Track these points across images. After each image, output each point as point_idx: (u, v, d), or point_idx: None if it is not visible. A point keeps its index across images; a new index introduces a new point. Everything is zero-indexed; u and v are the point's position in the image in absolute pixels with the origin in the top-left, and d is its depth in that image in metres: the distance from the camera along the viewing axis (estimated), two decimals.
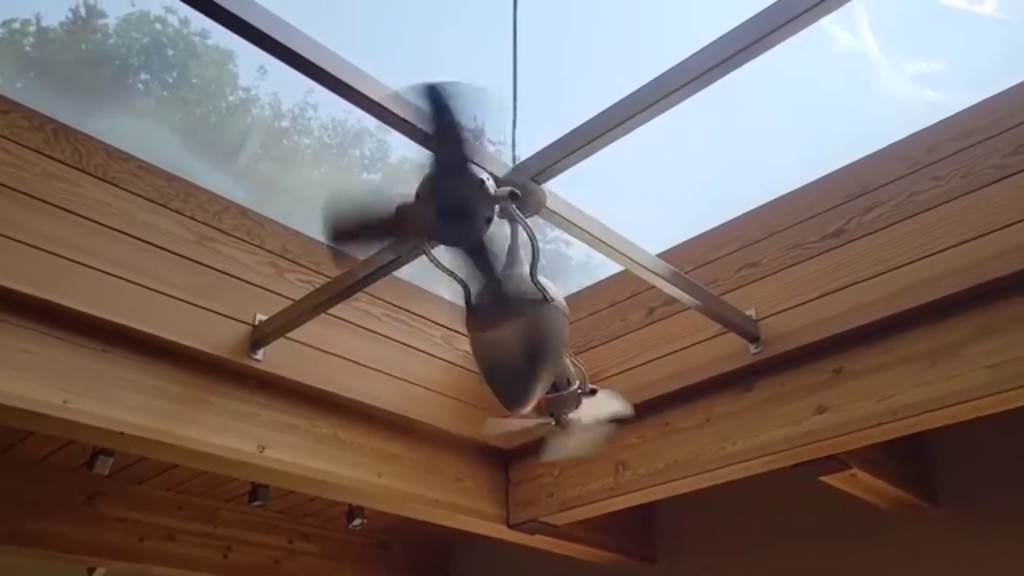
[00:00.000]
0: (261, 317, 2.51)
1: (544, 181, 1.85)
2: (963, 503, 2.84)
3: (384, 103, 1.66)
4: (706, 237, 2.84)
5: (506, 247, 1.73)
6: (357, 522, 3.48)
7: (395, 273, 2.26)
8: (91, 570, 3.78)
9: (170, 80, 3.17)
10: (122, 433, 2.25)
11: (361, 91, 1.64)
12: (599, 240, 2.05)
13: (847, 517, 3.01)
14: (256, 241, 2.64)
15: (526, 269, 1.68)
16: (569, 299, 1.74)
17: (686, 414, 2.70)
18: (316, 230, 2.78)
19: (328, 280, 2.46)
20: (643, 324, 2.87)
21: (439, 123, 1.37)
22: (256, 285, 2.57)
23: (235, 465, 2.52)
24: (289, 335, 2.51)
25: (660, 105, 1.70)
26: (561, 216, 1.94)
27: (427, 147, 1.42)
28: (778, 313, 2.50)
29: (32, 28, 2.82)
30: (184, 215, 2.49)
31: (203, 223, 2.53)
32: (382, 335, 2.86)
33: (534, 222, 1.94)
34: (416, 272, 2.88)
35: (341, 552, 3.96)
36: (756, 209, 2.74)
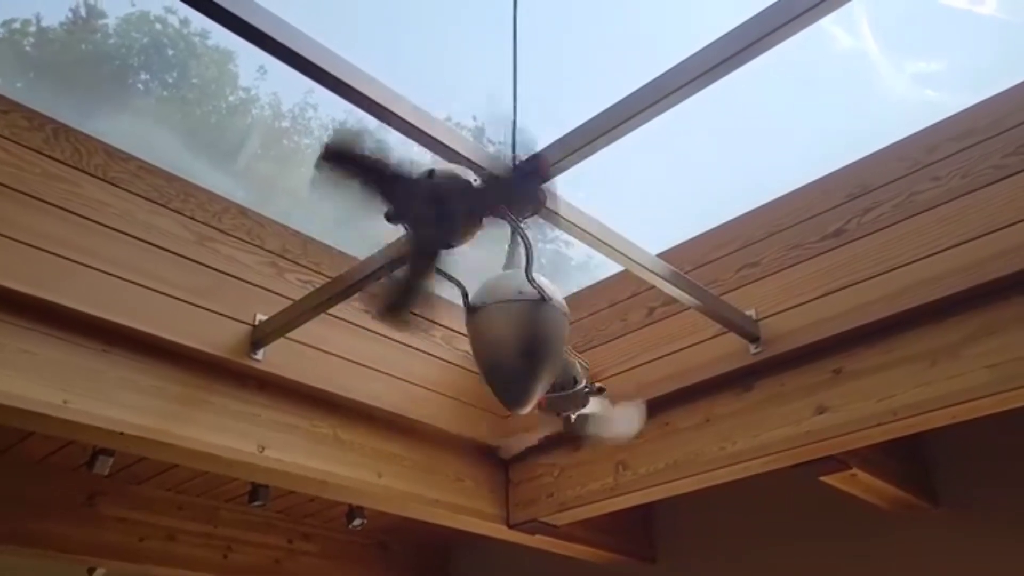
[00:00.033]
0: (261, 317, 2.51)
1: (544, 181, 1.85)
2: (963, 503, 2.84)
3: (384, 103, 1.66)
4: (706, 237, 2.84)
5: (507, 247, 1.73)
6: (357, 522, 3.48)
7: None
8: (91, 570, 3.78)
9: (170, 80, 3.17)
10: (122, 433, 2.25)
11: (361, 91, 1.64)
12: (599, 240, 2.05)
13: (847, 517, 3.01)
14: (256, 241, 2.63)
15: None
16: (569, 299, 1.74)
17: (686, 414, 2.70)
18: (316, 230, 2.79)
19: (328, 280, 2.46)
20: (643, 324, 2.87)
21: (350, 173, 1.36)
22: (256, 285, 2.57)
23: (235, 465, 2.52)
24: (289, 335, 2.51)
25: (660, 105, 1.70)
26: (561, 216, 1.94)
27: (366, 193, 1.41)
28: (778, 313, 2.50)
29: (32, 28, 2.82)
30: (184, 215, 2.49)
31: (203, 223, 2.52)
32: (382, 335, 2.86)
33: (534, 222, 1.95)
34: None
35: (341, 552, 3.96)
36: (756, 209, 2.73)
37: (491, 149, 1.77)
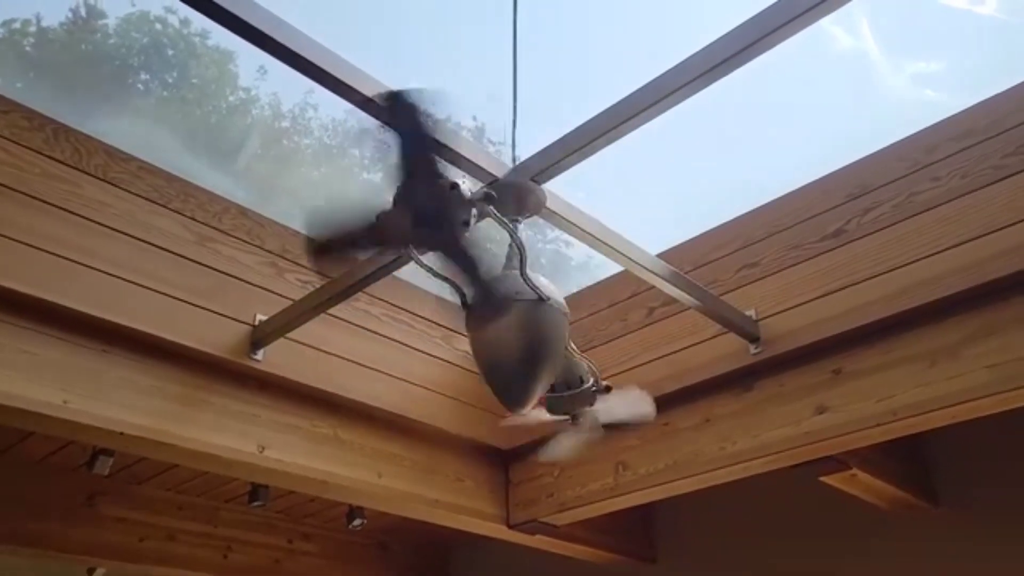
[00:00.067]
0: (261, 317, 2.51)
1: (544, 181, 1.85)
2: (963, 503, 2.84)
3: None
4: (706, 237, 2.84)
5: (506, 248, 1.73)
6: (357, 522, 3.48)
7: (395, 273, 2.26)
8: (91, 570, 3.78)
9: (170, 80, 3.17)
10: (122, 433, 2.25)
11: (361, 91, 1.64)
12: (599, 240, 2.05)
13: (847, 517, 3.01)
14: (256, 241, 2.64)
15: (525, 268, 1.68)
16: (569, 299, 1.74)
17: (686, 414, 2.70)
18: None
19: (328, 280, 2.46)
20: (643, 324, 2.87)
21: (403, 130, 1.37)
22: (256, 285, 2.57)
23: (235, 465, 2.52)
24: (289, 335, 2.51)
25: (660, 105, 1.70)
26: (561, 216, 1.94)
27: (396, 155, 1.42)
28: (778, 313, 2.50)
29: (32, 28, 2.82)
30: (184, 215, 2.49)
31: (203, 223, 2.53)
32: (382, 335, 2.86)
33: (534, 222, 1.95)
34: (416, 272, 2.88)
35: (341, 552, 3.96)
36: (756, 209, 2.74)
37: (491, 149, 1.77)
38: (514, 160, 1.88)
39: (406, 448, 2.91)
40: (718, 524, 3.41)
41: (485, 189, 1.48)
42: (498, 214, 1.56)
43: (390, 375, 2.83)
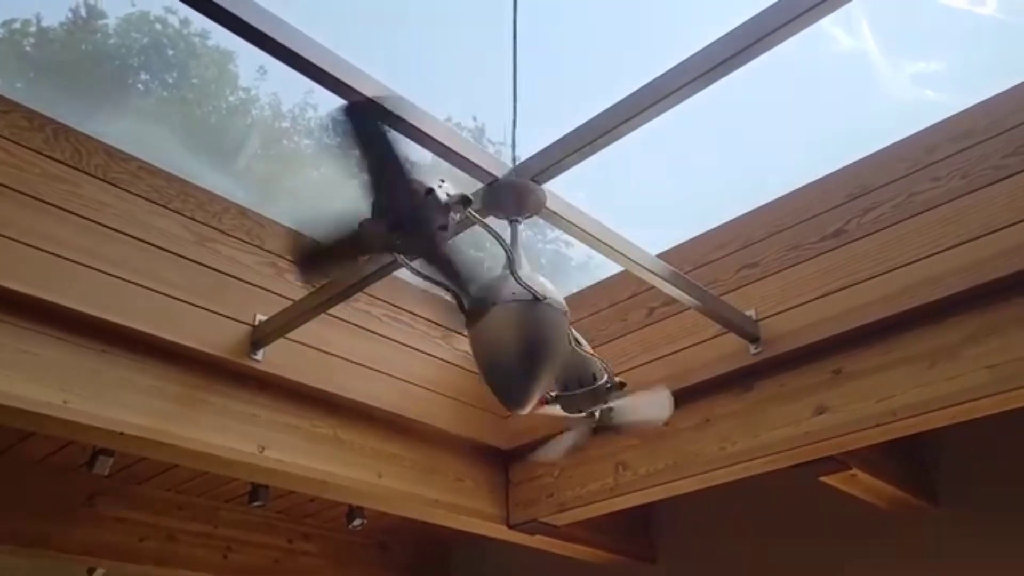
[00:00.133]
0: (261, 317, 2.51)
1: (545, 181, 1.85)
2: (963, 503, 2.84)
3: (384, 104, 1.66)
4: (706, 237, 2.84)
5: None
6: (357, 522, 3.48)
7: (395, 273, 2.26)
8: (91, 570, 3.78)
9: (170, 80, 3.17)
10: (122, 433, 2.25)
11: (361, 91, 1.64)
12: (599, 240, 2.05)
13: (847, 517, 3.01)
14: (256, 241, 2.64)
15: (525, 268, 1.69)
16: (569, 299, 1.74)
17: (686, 414, 2.70)
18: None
19: (328, 280, 2.46)
20: (643, 324, 2.87)
21: (363, 140, 1.37)
22: (256, 285, 2.57)
23: (235, 465, 2.52)
24: (289, 335, 2.51)
25: (660, 105, 1.70)
26: (561, 216, 1.94)
27: (361, 167, 1.41)
28: (778, 313, 2.50)
29: (32, 28, 2.82)
30: (184, 215, 2.49)
31: (203, 223, 2.52)
32: (382, 335, 2.86)
33: (534, 222, 1.95)
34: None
35: (341, 552, 3.96)
36: (756, 209, 2.73)
37: (491, 149, 1.77)
38: (514, 160, 1.88)
39: (406, 448, 2.91)
40: (718, 524, 3.41)
41: (462, 193, 1.47)
42: (478, 217, 1.56)
43: (390, 375, 2.83)
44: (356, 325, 2.78)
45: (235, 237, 2.59)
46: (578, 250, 3.25)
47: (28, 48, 2.85)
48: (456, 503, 3.04)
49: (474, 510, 3.10)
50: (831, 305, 2.40)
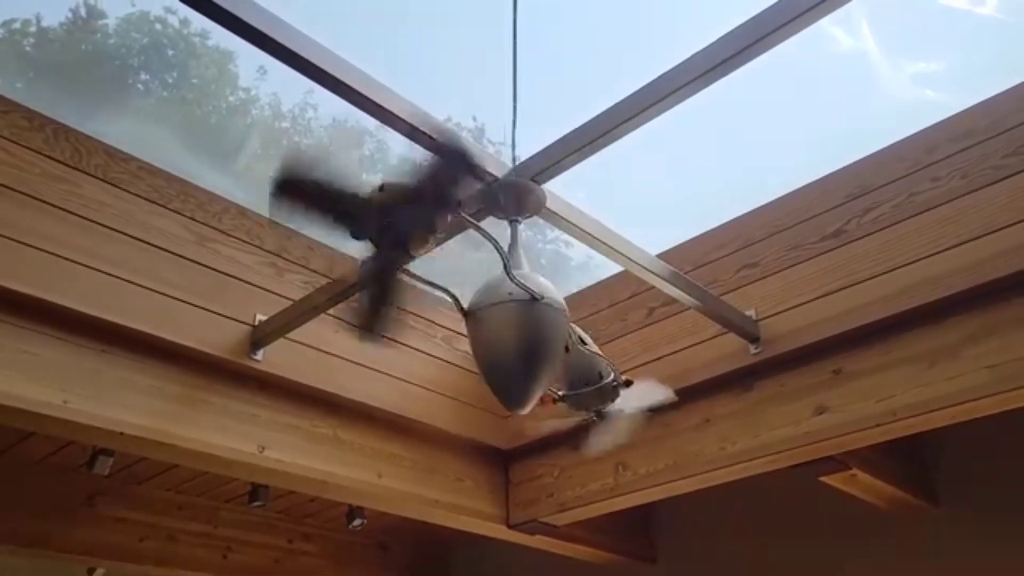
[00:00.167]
0: (261, 317, 2.51)
1: (544, 181, 1.85)
2: (963, 503, 2.84)
3: (384, 103, 1.66)
4: (706, 237, 2.84)
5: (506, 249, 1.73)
6: (357, 522, 3.48)
7: None
8: (91, 570, 3.78)
9: (170, 80, 3.17)
10: (122, 433, 2.25)
11: (361, 91, 1.64)
12: (599, 240, 2.05)
13: (847, 517, 3.01)
14: (256, 241, 2.63)
15: (525, 268, 1.68)
16: (569, 299, 1.74)
17: (686, 414, 2.70)
18: (315, 231, 2.79)
19: (328, 280, 2.46)
20: (643, 324, 2.87)
21: (305, 200, 1.38)
22: (256, 285, 2.57)
23: (235, 465, 2.52)
24: (289, 335, 2.51)
25: (660, 105, 1.70)
26: (561, 216, 1.94)
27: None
28: (778, 313, 2.50)
29: (32, 28, 2.82)
30: (184, 215, 2.49)
31: (203, 223, 2.52)
32: (382, 335, 2.85)
33: (534, 222, 1.95)
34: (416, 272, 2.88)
35: (341, 552, 3.96)
36: (756, 209, 2.73)
37: (491, 149, 1.77)
38: (514, 160, 1.88)
39: (406, 448, 2.91)
40: (718, 524, 3.41)
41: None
42: (470, 219, 1.56)
43: (390, 375, 2.83)
44: (356, 325, 2.77)
45: (235, 237, 2.59)
46: (578, 250, 3.25)
47: (28, 48, 2.85)
48: (456, 503, 3.03)
49: (474, 510, 3.10)
50: (831, 305, 2.40)
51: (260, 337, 2.47)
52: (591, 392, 1.87)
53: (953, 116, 2.36)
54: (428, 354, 2.99)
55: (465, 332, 1.68)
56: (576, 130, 1.82)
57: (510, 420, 3.10)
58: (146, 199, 2.42)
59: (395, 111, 1.68)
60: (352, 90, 1.63)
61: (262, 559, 3.66)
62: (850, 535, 3.04)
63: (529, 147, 1.88)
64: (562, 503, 3.03)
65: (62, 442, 2.92)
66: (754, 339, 2.51)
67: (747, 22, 1.60)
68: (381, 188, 1.42)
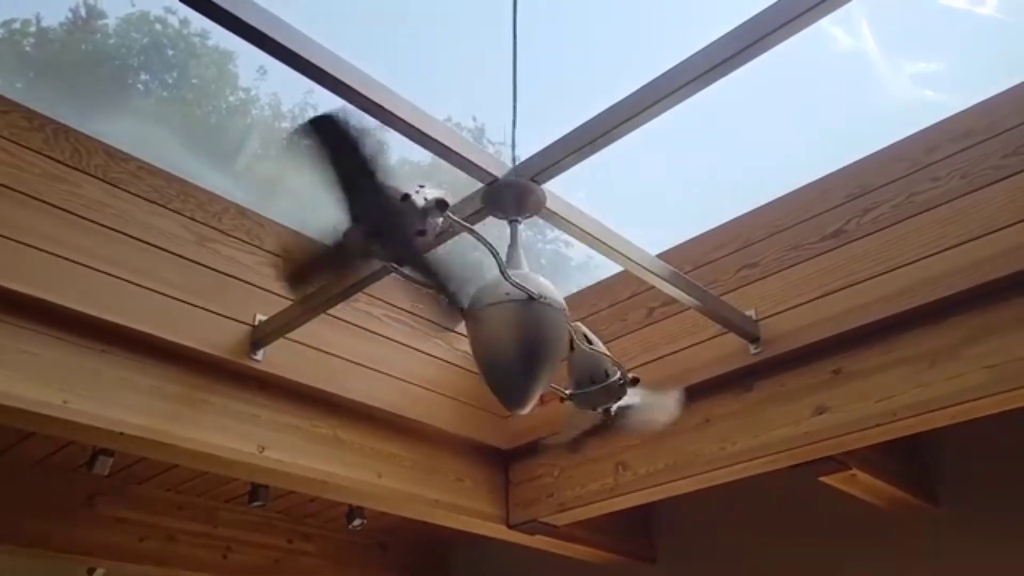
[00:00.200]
0: (261, 317, 2.51)
1: (544, 181, 1.85)
2: (963, 503, 2.84)
3: (384, 103, 1.67)
4: (706, 237, 2.84)
5: (506, 249, 1.73)
6: (357, 522, 3.48)
7: (394, 274, 2.25)
8: (91, 570, 3.78)
9: (170, 80, 3.17)
10: (122, 433, 2.25)
11: (361, 91, 1.64)
12: (599, 240, 2.05)
13: (847, 517, 3.01)
14: (256, 241, 2.64)
15: (524, 269, 1.69)
16: (569, 299, 1.74)
17: (686, 414, 2.68)
18: (315, 231, 2.79)
19: (328, 280, 2.46)
20: (643, 324, 2.87)
21: (331, 153, 1.34)
22: (256, 285, 2.57)
23: (235, 465, 2.52)
24: (289, 335, 2.51)
25: (660, 105, 1.70)
26: (561, 216, 1.94)
27: (334, 179, 1.39)
28: (778, 313, 2.50)
29: (32, 28, 2.82)
30: (184, 215, 2.49)
31: (203, 223, 2.53)
32: (382, 335, 2.86)
33: (534, 222, 1.95)
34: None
35: (341, 552, 3.96)
36: (756, 209, 2.73)
37: (491, 149, 1.77)
38: (514, 160, 1.88)
39: (406, 448, 2.91)
40: (718, 524, 3.41)
41: (439, 197, 1.45)
42: (460, 220, 1.56)
43: (390, 375, 2.83)
44: (356, 325, 2.78)
45: (235, 237, 2.59)
46: (578, 250, 3.25)
47: (28, 48, 2.85)
48: (456, 503, 3.04)
49: (474, 510, 3.10)
50: (831, 305, 2.40)
51: (260, 337, 2.48)
52: (597, 390, 1.87)
53: (953, 116, 2.36)
54: (428, 354, 2.99)
55: (464, 332, 1.69)
56: (576, 130, 1.82)
57: (510, 420, 3.11)
58: (146, 199, 2.42)
59: (395, 111, 1.68)
60: (352, 90, 1.63)
61: (262, 559, 3.66)
62: (850, 535, 3.04)
63: (529, 147, 1.88)
64: (562, 503, 3.03)
65: (62, 442, 2.92)
66: (754, 339, 2.51)
67: (747, 22, 1.60)
68: (405, 197, 1.42)
